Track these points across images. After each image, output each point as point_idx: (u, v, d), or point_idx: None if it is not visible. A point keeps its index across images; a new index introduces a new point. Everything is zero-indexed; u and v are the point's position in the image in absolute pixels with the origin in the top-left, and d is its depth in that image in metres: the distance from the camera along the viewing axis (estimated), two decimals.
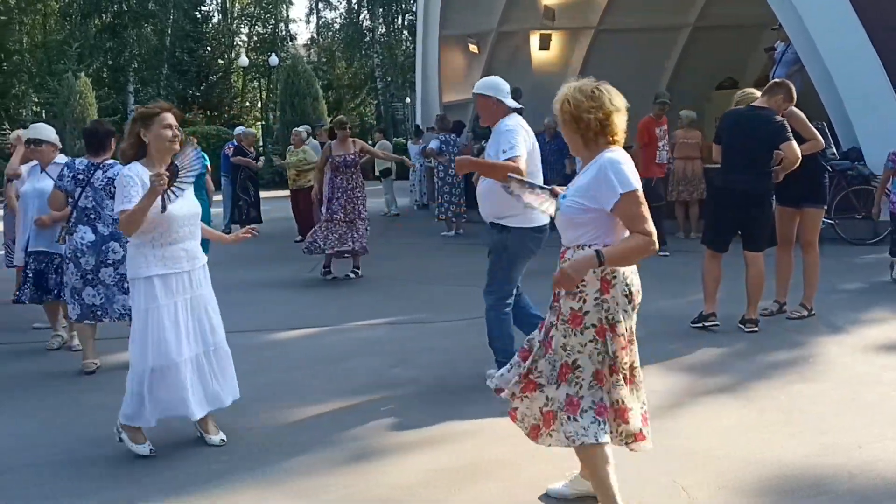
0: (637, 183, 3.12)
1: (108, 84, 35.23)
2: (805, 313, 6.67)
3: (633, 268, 3.22)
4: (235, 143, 13.97)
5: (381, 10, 45.23)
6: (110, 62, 36.97)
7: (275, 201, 17.70)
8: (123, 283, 5.56)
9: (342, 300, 8.22)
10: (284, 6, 45.49)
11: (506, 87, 5.05)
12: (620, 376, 3.23)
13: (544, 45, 18.12)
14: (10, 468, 4.07)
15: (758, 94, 6.55)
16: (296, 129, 13.88)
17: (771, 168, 6.11)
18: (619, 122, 3.22)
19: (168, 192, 3.94)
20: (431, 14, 17.93)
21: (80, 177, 5.67)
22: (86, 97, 25.20)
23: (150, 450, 4.14)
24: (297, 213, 12.88)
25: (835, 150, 10.39)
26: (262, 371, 5.66)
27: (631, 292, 3.19)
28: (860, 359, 5.52)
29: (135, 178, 4.01)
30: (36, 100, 36.39)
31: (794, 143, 6.02)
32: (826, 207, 6.94)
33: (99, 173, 5.69)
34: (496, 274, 5.01)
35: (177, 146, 4.12)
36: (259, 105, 46.29)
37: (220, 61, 41.74)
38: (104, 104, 29.50)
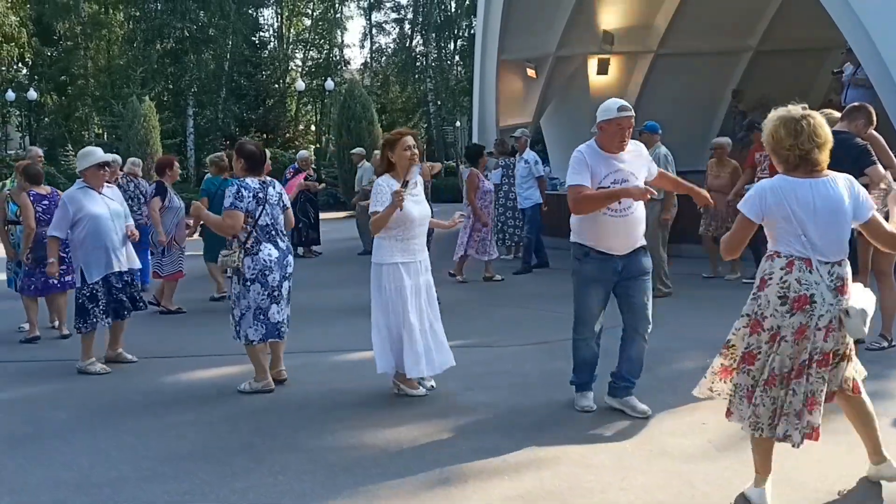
0: (749, 212, 3.59)
1: (168, 107, 36.07)
2: (885, 344, 6.48)
3: (803, 275, 3.50)
4: (296, 167, 14.17)
5: (433, 35, 45.69)
6: (171, 86, 37.90)
7: (332, 223, 17.87)
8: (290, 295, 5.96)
9: None
10: (339, 32, 46.26)
11: None
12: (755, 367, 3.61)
13: (602, 69, 18.04)
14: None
15: (837, 114, 6.43)
16: (357, 150, 14.03)
17: None
18: (820, 154, 3.54)
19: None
20: (490, 38, 18.00)
21: (260, 195, 5.69)
22: (150, 120, 25.82)
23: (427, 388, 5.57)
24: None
25: None
26: (339, 393, 5.69)
27: (787, 296, 3.51)
28: None
29: (386, 187, 5.28)
30: (98, 122, 37.48)
31: (880, 166, 5.89)
32: None
33: (271, 190, 5.79)
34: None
35: (416, 161, 5.38)
36: (313, 128, 46.98)
37: (276, 85, 42.50)
38: (165, 127, 30.18)
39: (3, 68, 39.21)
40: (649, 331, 5.04)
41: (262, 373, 5.76)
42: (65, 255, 7.23)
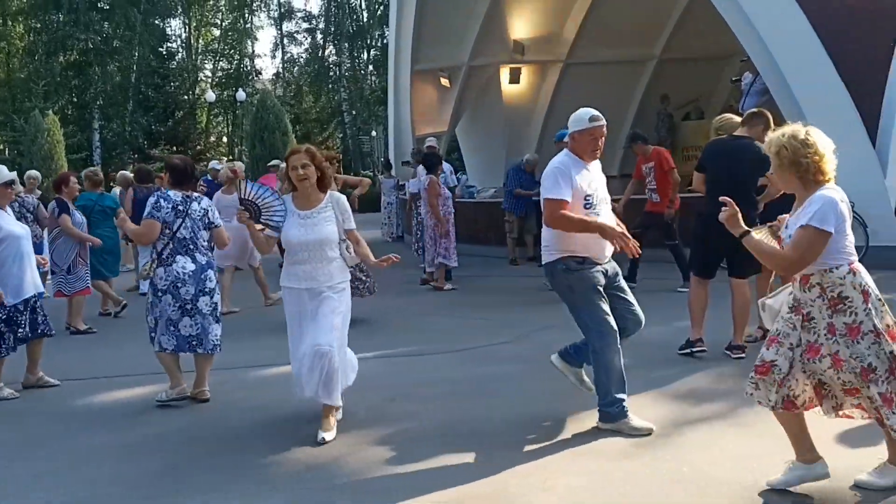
0: (830, 227, 3.54)
1: (73, 121, 34.90)
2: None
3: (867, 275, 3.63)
4: (209, 179, 13.90)
5: (346, 44, 45.55)
6: (75, 99, 36.69)
7: None
8: (217, 311, 5.84)
9: None
10: (249, 42, 45.67)
11: None
12: None
13: (514, 78, 18.40)
14: None
15: (737, 119, 6.74)
16: (274, 162, 13.85)
17: (755, 197, 6.26)
18: (831, 163, 3.64)
19: (261, 223, 4.98)
20: (403, 48, 18.13)
21: (180, 208, 5.73)
22: (54, 135, 24.93)
23: None
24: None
25: None
26: (258, 408, 5.62)
27: (880, 297, 3.62)
28: None
29: (280, 206, 5.02)
30: (0, 138, 35.95)
31: None
32: None
33: (195, 205, 5.80)
34: None
35: (305, 183, 4.93)
36: (225, 140, 46.16)
37: (186, 97, 41.64)
38: (70, 141, 29.20)
39: None
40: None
41: (175, 379, 5.77)
42: None
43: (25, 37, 36.70)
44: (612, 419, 4.73)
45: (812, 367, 3.66)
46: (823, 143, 3.63)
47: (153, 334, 5.78)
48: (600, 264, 4.82)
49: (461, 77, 18.11)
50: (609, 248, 4.84)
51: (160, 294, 5.69)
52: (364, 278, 8.33)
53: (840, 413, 3.80)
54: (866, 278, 3.63)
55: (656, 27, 18.30)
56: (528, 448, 4.57)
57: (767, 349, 3.76)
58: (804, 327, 3.66)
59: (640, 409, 5.12)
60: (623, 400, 4.74)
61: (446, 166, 11.84)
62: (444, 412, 5.34)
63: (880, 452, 3.88)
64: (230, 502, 4.02)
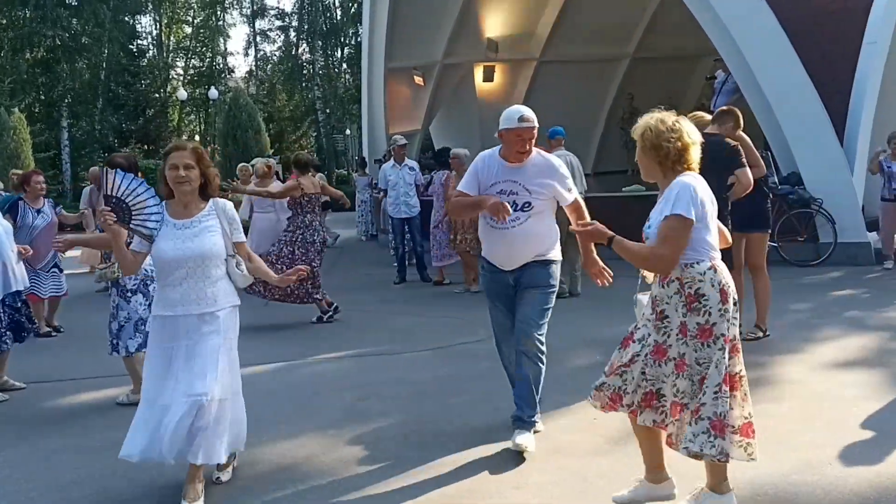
0: (690, 213, 3.28)
1: (40, 119, 34.42)
2: (760, 334, 6.84)
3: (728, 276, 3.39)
4: None
5: (320, 42, 45.33)
6: (42, 97, 36.18)
7: None
8: None
9: (301, 333, 8.13)
10: (222, 39, 45.30)
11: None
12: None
13: (488, 76, 18.40)
14: None
15: (708, 117, 6.76)
16: (244, 164, 13.68)
17: (725, 194, 6.28)
18: (695, 154, 3.44)
19: (131, 228, 3.93)
20: (376, 47, 18.04)
21: None
22: (20, 133, 24.56)
23: None
24: None
25: (776, 178, 10.76)
26: None
27: (735, 300, 3.37)
28: (819, 377, 5.69)
29: (156, 216, 4.03)
30: None
31: (748, 169, 6.22)
32: (770, 231, 7.18)
33: None
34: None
35: (185, 188, 3.96)
36: (197, 138, 45.77)
37: (157, 95, 41.23)
38: (38, 139, 28.79)
39: None
40: (536, 348, 4.56)
41: (139, 383, 5.51)
42: None
43: None
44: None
45: (655, 371, 3.40)
46: (691, 133, 3.41)
47: (116, 340, 5.65)
48: (500, 271, 4.64)
49: (435, 75, 18.07)
50: (511, 257, 4.56)
51: (129, 295, 5.59)
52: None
53: (660, 426, 3.48)
54: (726, 277, 3.37)
55: (629, 26, 18.39)
56: (501, 446, 4.54)
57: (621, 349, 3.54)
58: (656, 326, 3.41)
59: None
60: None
61: (413, 163, 11.71)
62: (417, 411, 5.31)
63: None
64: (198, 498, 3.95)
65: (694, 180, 3.37)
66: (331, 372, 6.56)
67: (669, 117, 3.45)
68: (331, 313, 8.57)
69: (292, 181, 8.83)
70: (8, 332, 6.24)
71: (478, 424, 4.93)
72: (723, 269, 3.39)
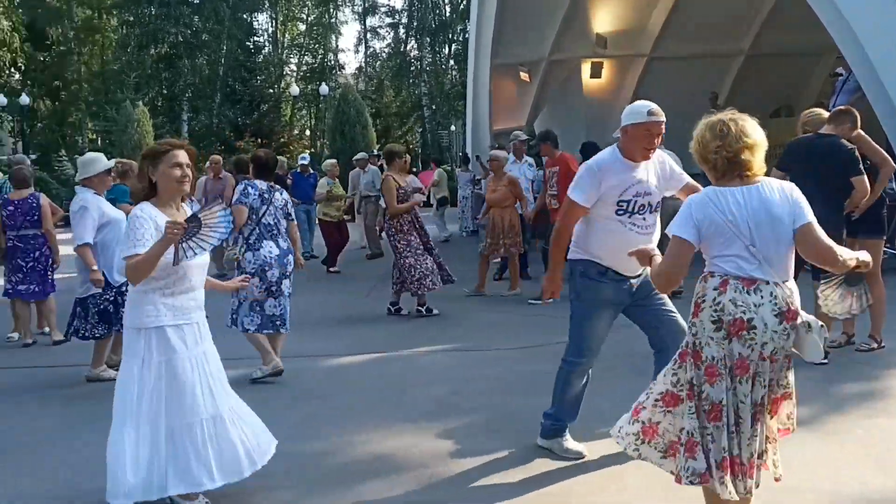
0: (681, 233, 3.12)
1: (162, 112, 36.08)
2: (874, 345, 6.49)
3: (739, 296, 3.05)
4: (298, 172, 14.26)
5: (428, 39, 45.77)
6: (165, 91, 37.92)
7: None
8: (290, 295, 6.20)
9: (394, 327, 8.23)
10: (334, 36, 46.33)
11: None
12: (693, 405, 3.13)
13: (596, 73, 18.12)
14: None
15: (825, 115, 6.47)
16: (331, 160, 14.02)
17: (842, 198, 6.00)
18: (751, 157, 3.12)
19: (185, 245, 3.56)
20: (483, 43, 18.07)
21: (265, 196, 6.12)
22: (143, 125, 25.84)
23: None
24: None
25: (895, 184, 10.18)
26: (328, 397, 5.69)
27: (721, 320, 3.04)
28: None
29: (147, 220, 3.64)
30: (91, 127, 37.47)
31: (865, 177, 5.92)
32: (886, 238, 6.79)
33: (278, 195, 6.22)
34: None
35: (186, 187, 3.79)
36: (308, 133, 46.99)
37: (271, 90, 42.53)
38: (159, 132, 30.19)
39: None
40: None
41: (268, 355, 6.03)
42: (35, 262, 7.73)
43: (119, 30, 38.09)
44: (546, 435, 4.47)
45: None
46: (743, 136, 3.11)
47: (234, 315, 6.09)
48: (625, 278, 4.29)
49: (541, 71, 17.95)
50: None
51: (249, 277, 5.84)
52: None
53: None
54: (730, 300, 3.03)
55: (744, 22, 17.73)
56: (594, 445, 4.48)
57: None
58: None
59: None
60: (557, 419, 4.44)
61: (530, 159, 11.68)
62: (507, 407, 5.30)
63: None
64: (290, 489, 4.06)
65: (705, 197, 3.14)
66: (423, 365, 6.62)
67: (717, 124, 3.17)
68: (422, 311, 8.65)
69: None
70: (108, 317, 6.51)
71: (574, 422, 4.86)
72: (731, 290, 3.06)
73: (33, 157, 35.67)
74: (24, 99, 34.89)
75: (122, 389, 3.68)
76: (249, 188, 6.12)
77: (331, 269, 12.44)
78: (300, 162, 14.93)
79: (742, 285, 3.05)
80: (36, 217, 7.75)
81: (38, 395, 6.06)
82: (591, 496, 3.87)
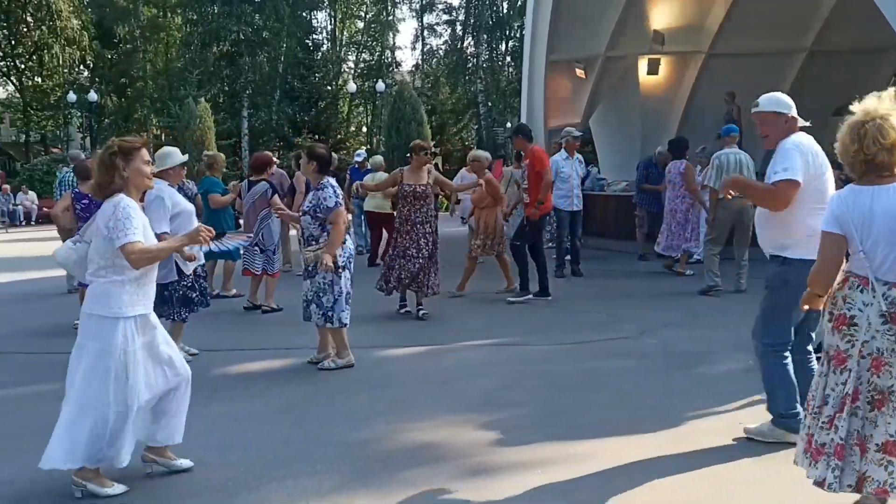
0: (826, 226, 3.31)
1: (224, 109, 36.82)
2: None
3: (851, 293, 3.26)
4: (355, 168, 14.50)
5: (484, 36, 45.75)
6: (226, 88, 38.69)
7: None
8: None
9: (446, 321, 8.32)
10: (391, 34, 46.64)
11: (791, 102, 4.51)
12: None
13: (653, 69, 17.93)
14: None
15: None
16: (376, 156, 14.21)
17: None
18: (887, 158, 3.22)
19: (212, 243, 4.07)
20: (539, 39, 18.02)
21: (338, 191, 6.29)
22: (205, 121, 26.44)
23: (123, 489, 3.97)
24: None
25: None
26: (379, 387, 5.82)
27: (832, 313, 3.31)
28: None
29: (136, 209, 3.92)
30: (156, 123, 38.45)
31: None
32: None
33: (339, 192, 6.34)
34: (773, 313, 4.38)
35: (151, 183, 4.09)
36: (364, 130, 47.43)
37: (329, 87, 43.04)
38: (221, 128, 30.85)
39: (66, 70, 40.47)
40: None
41: (345, 349, 6.31)
42: None
43: (183, 28, 38.98)
44: (785, 425, 4.33)
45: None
46: (880, 138, 3.20)
47: (330, 313, 6.17)
48: None
49: (597, 68, 17.82)
50: None
51: (340, 271, 6.17)
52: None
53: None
54: (840, 290, 3.30)
55: (806, 18, 17.34)
56: (639, 442, 4.51)
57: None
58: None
59: (760, 410, 4.96)
60: (791, 413, 4.31)
61: (579, 156, 11.68)
62: (554, 402, 5.35)
63: None
64: (340, 474, 4.18)
65: (842, 194, 3.33)
66: (472, 358, 6.70)
67: (856, 126, 3.27)
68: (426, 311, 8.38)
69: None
70: (189, 303, 6.76)
71: (615, 422, 4.89)
72: (847, 287, 3.29)
73: (100, 151, 36.76)
74: (93, 95, 36.02)
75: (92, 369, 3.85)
76: (331, 189, 6.19)
77: (376, 262, 12.52)
78: (356, 158, 15.17)
79: (858, 283, 3.24)
80: None
81: None
82: (628, 490, 3.90)
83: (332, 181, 6.28)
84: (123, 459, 3.90)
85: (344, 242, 6.20)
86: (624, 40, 17.41)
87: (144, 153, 4.02)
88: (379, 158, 13.82)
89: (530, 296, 9.09)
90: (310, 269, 6.26)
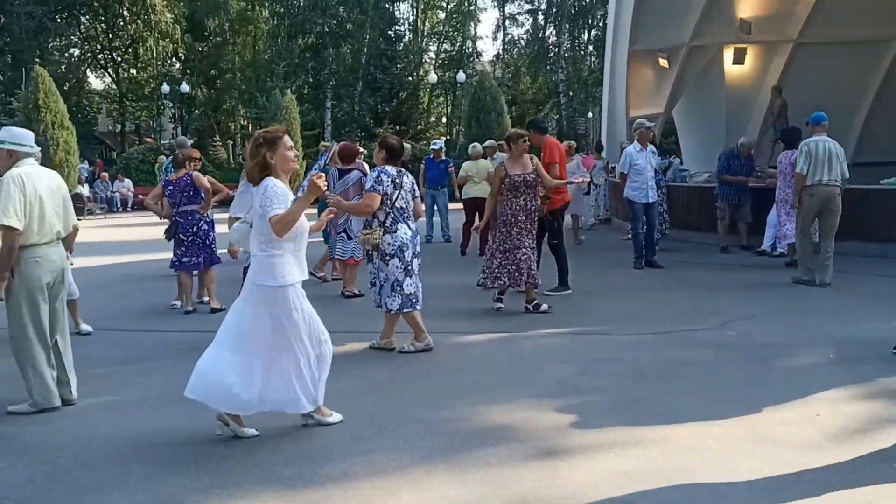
0: None
1: (308, 100, 37.60)
2: None
3: None
4: (430, 158, 14.70)
5: (567, 25, 45.42)
6: (311, 80, 39.49)
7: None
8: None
9: (521, 309, 8.43)
10: (472, 24, 46.75)
11: None
12: None
13: (739, 59, 17.59)
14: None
15: None
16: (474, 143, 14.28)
17: None
18: None
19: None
20: (621, 29, 17.89)
21: (396, 181, 6.43)
22: (290, 112, 27.08)
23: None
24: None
25: None
26: (460, 370, 6.02)
27: None
28: None
29: (282, 190, 4.50)
30: (243, 114, 39.57)
31: None
32: None
33: (406, 178, 6.54)
34: None
35: (295, 166, 4.64)
36: (444, 120, 47.72)
37: (410, 78, 43.46)
38: (305, 119, 31.53)
39: (159, 63, 42.03)
40: None
41: (422, 333, 6.56)
42: (194, 236, 8.45)
43: (270, 21, 39.93)
44: None
45: None
46: None
47: (379, 298, 6.53)
48: None
49: (681, 57, 17.57)
50: None
51: (387, 258, 6.41)
52: None
53: None
54: None
55: None
56: (714, 429, 4.58)
57: None
58: None
59: (837, 403, 4.98)
60: None
61: (652, 147, 11.58)
62: (631, 390, 5.44)
63: None
64: (420, 450, 4.40)
65: None
66: (551, 346, 6.83)
67: None
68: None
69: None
70: None
71: (690, 409, 4.96)
72: None
73: (190, 141, 38.13)
74: (184, 87, 37.30)
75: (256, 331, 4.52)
76: (382, 175, 6.37)
77: (465, 251, 12.71)
78: (432, 147, 15.36)
79: None
80: (192, 194, 8.49)
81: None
82: (703, 477, 3.98)
83: (389, 169, 6.39)
84: (305, 406, 4.63)
85: (395, 231, 6.37)
86: (709, 29, 17.12)
87: (287, 140, 4.60)
88: (479, 147, 13.70)
89: (569, 290, 9.07)
90: (369, 252, 6.56)
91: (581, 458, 4.23)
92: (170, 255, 8.75)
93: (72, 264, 7.18)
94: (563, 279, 9.11)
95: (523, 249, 7.90)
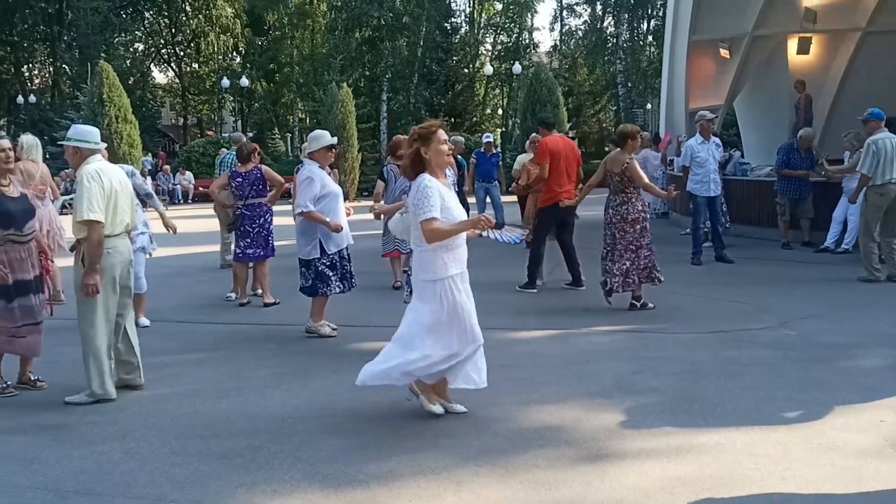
0: None
1: (364, 93, 37.78)
2: None
3: None
4: (481, 152, 14.61)
5: (626, 15, 44.72)
6: (367, 73, 39.66)
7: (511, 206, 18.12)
8: None
9: (582, 304, 8.33)
10: (529, 15, 46.34)
11: None
12: None
13: (803, 48, 17.07)
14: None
15: None
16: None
17: None
18: None
19: (494, 233, 4.86)
20: (682, 18, 17.50)
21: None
22: (346, 105, 27.25)
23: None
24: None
25: None
26: (509, 367, 5.93)
27: None
28: None
29: (436, 189, 4.54)
30: (301, 108, 39.98)
31: None
32: None
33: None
34: None
35: (451, 160, 4.59)
36: (500, 112, 47.48)
37: (466, 70, 43.33)
38: (361, 112, 31.69)
39: (220, 57, 42.75)
40: None
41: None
42: (260, 227, 8.50)
43: (327, 14, 40.21)
44: None
45: None
46: None
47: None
48: None
49: (743, 47, 17.13)
50: None
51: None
52: None
53: None
54: None
55: None
56: (771, 434, 4.43)
57: None
58: None
59: None
60: None
61: (717, 139, 11.31)
62: (688, 389, 5.30)
63: None
64: (469, 448, 4.35)
65: None
66: (605, 343, 6.71)
67: None
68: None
69: None
70: (342, 281, 7.12)
71: (747, 413, 4.81)
72: None
73: (250, 134, 38.73)
74: (244, 81, 37.86)
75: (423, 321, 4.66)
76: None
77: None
78: (484, 140, 15.24)
79: None
80: (260, 187, 8.58)
81: (253, 349, 6.77)
82: (757, 484, 3.85)
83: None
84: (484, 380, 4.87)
85: None
86: (772, 19, 16.65)
87: (441, 134, 4.65)
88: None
89: (534, 290, 9.04)
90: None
91: (632, 461, 4.13)
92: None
93: (153, 251, 7.43)
94: (577, 278, 9.17)
95: (647, 247, 7.88)
